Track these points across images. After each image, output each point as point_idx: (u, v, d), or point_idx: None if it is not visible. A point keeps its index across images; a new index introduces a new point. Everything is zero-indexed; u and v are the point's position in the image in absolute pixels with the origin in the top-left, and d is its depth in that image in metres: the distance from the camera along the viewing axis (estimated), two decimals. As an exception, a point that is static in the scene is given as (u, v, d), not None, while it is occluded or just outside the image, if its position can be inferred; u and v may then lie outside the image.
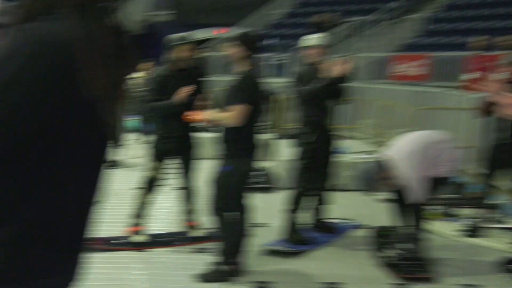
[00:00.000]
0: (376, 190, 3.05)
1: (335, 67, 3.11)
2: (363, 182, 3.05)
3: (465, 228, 3.59)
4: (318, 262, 3.07)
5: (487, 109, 3.32)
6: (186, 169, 3.32)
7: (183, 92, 2.99)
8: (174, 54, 3.17)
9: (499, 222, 3.76)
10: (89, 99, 0.66)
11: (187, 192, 3.34)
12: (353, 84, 3.68)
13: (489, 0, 10.11)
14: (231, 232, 2.74)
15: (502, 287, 2.84)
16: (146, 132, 4.37)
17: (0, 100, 0.63)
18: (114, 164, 4.68)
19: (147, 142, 3.64)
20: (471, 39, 6.96)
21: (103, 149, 0.76)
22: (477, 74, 6.06)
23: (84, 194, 0.76)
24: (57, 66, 0.64)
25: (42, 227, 0.71)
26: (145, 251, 3.19)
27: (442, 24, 10.38)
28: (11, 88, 0.63)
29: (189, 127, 3.21)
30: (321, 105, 3.34)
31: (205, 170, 3.13)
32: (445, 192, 3.70)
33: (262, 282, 2.67)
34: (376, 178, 2.95)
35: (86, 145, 0.72)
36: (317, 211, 3.59)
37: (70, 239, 0.76)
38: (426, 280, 2.81)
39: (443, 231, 3.67)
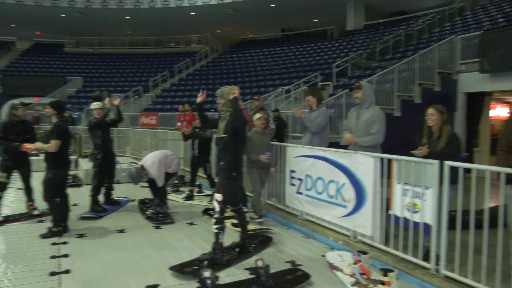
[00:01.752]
0: (139, 181, 5.85)
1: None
2: (132, 177, 5.78)
3: (185, 196, 6.98)
4: (111, 221, 5.51)
5: (185, 138, 6.83)
6: (26, 176, 5.39)
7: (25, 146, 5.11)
8: (15, 113, 5.20)
9: (202, 192, 7.40)
10: None
11: (27, 189, 5.43)
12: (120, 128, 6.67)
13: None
14: (57, 210, 4.95)
15: (205, 221, 5.44)
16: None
17: None
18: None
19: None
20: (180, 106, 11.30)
21: None
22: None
23: None
24: None
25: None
26: (3, 226, 5.12)
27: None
28: None
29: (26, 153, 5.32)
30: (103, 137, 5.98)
31: (37, 176, 5.29)
32: (173, 180, 7.13)
33: (80, 235, 5.07)
34: (139, 175, 5.70)
35: None
36: (108, 193, 6.27)
37: None
38: (170, 223, 5.35)
39: (175, 199, 6.96)
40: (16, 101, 5.67)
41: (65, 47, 26.48)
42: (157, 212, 5.59)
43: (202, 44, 26.12)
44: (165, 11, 22.16)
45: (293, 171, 5.31)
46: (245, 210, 4.95)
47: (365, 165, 4.04)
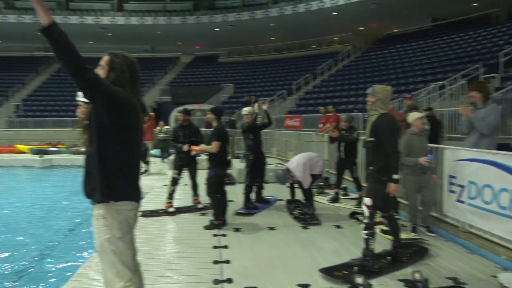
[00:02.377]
0: (285, 182, 6.06)
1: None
2: (279, 178, 6.03)
3: (330, 199, 6.93)
4: (262, 218, 5.90)
5: (331, 140, 6.71)
6: (193, 173, 6.19)
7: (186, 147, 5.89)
8: (179, 117, 5.98)
9: (347, 195, 7.24)
10: None
11: (194, 185, 6.23)
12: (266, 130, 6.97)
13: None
14: (217, 204, 5.53)
15: (352, 225, 5.37)
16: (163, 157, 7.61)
17: None
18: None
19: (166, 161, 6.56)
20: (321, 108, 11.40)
21: None
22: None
23: None
24: None
25: None
26: (175, 216, 5.98)
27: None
28: None
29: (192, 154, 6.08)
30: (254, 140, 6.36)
31: (202, 174, 5.99)
32: (319, 181, 7.16)
33: (236, 229, 5.56)
34: (285, 176, 5.92)
35: None
36: (258, 192, 6.69)
37: None
38: (316, 224, 5.43)
39: (320, 201, 6.99)
40: (181, 108, 6.56)
41: (219, 58, 29.42)
42: (304, 212, 5.72)
43: (344, 43, 25.72)
44: (307, 14, 22.58)
45: (452, 177, 4.78)
46: (397, 217, 4.66)
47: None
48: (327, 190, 7.64)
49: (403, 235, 4.43)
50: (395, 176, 3.69)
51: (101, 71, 2.20)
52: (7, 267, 5.15)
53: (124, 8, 26.28)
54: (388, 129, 3.68)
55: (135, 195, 2.26)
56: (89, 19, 25.20)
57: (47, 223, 7.24)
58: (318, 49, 27.04)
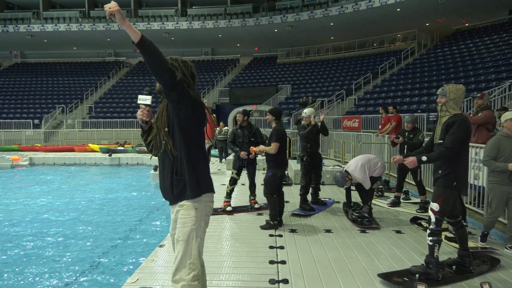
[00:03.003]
0: (344, 185, 5.93)
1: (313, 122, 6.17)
2: (337, 181, 5.91)
3: (390, 202, 6.67)
4: (318, 220, 5.85)
5: (393, 143, 6.42)
6: (252, 174, 6.30)
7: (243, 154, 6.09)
8: (238, 119, 6.10)
9: (408, 199, 6.92)
10: None
11: (252, 185, 6.33)
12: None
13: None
14: (274, 205, 5.56)
15: (414, 231, 5.14)
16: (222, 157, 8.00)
17: None
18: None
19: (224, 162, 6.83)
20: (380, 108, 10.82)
21: None
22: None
23: None
24: None
25: None
26: (233, 215, 6.13)
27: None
28: None
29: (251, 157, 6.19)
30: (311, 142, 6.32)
31: (260, 175, 6.05)
32: (378, 184, 6.94)
33: (292, 230, 5.57)
34: (343, 179, 5.80)
35: None
36: (315, 193, 6.63)
37: None
38: (375, 228, 5.25)
39: (380, 204, 6.75)
40: (240, 109, 6.70)
41: (277, 59, 29.55)
42: (362, 216, 5.57)
43: (408, 40, 24.55)
44: (369, 12, 21.88)
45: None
46: (464, 224, 4.37)
47: None
48: (386, 194, 7.37)
49: (470, 244, 4.16)
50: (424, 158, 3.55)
51: None
52: (77, 257, 5.61)
53: (187, 13, 27.36)
54: (458, 129, 3.46)
55: (212, 187, 2.48)
56: (155, 25, 26.57)
57: (113, 219, 7.78)
58: (379, 48, 26.11)
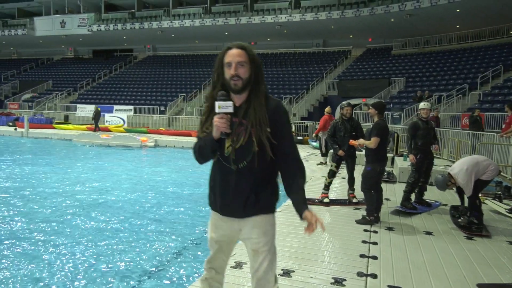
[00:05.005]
0: (445, 189, 5.51)
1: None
2: (438, 184, 5.51)
3: (510, 209, 5.98)
4: (420, 221, 5.55)
5: None
6: (351, 168, 6.31)
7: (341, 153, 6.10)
8: (343, 111, 6.09)
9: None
10: None
11: (350, 179, 6.35)
12: (438, 129, 6.39)
13: None
14: (371, 200, 5.48)
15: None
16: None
17: None
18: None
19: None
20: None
21: None
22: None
23: None
24: None
25: None
26: (329, 207, 6.25)
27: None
28: None
29: (352, 148, 6.16)
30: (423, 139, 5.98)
31: (359, 169, 6.03)
32: (497, 189, 6.29)
33: (389, 228, 5.43)
34: (445, 183, 5.38)
35: None
36: (420, 193, 6.32)
37: None
38: (484, 236, 4.78)
39: (497, 209, 6.11)
40: (345, 102, 6.68)
41: (392, 50, 27.97)
42: (470, 221, 5.16)
43: (555, 27, 20.94)
44: (507, -6, 19.23)
45: None
46: None
47: None
48: (506, 201, 6.62)
49: None
50: None
51: (242, 70, 1.99)
52: (174, 237, 6.29)
53: (300, 5, 27.59)
54: None
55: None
56: (269, 18, 27.41)
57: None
58: (516, 36, 22.80)
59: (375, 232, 4.94)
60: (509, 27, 23.15)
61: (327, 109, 11.77)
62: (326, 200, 6.33)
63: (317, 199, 6.40)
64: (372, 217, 5.30)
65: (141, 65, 34.98)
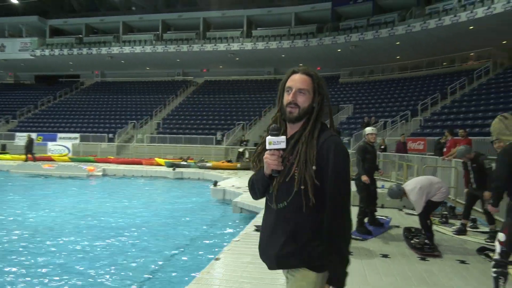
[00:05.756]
0: (397, 197, 5.66)
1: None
2: (391, 193, 5.67)
3: (455, 230, 6.26)
4: (375, 244, 5.58)
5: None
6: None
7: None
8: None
9: (476, 227, 6.45)
10: None
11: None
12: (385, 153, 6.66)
13: None
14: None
15: (481, 262, 4.73)
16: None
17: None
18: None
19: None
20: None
21: None
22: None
23: None
24: None
25: None
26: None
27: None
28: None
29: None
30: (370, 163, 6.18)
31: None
32: (442, 210, 6.58)
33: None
34: (399, 193, 5.55)
35: None
36: (372, 214, 6.46)
37: None
38: (436, 256, 4.92)
39: (443, 231, 6.36)
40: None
41: (340, 78, 29.32)
42: (423, 242, 5.30)
43: (482, 59, 23.08)
44: (438, 30, 21.00)
45: None
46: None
47: None
48: (451, 221, 6.94)
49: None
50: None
51: (301, 98, 1.79)
52: (135, 264, 5.95)
53: (252, 35, 28.31)
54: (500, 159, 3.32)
55: None
56: (222, 46, 27.81)
57: (171, 231, 8.14)
58: (449, 67, 24.82)
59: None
60: (443, 59, 25.23)
61: None
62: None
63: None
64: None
65: (88, 92, 33.77)
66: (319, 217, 1.71)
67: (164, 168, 18.54)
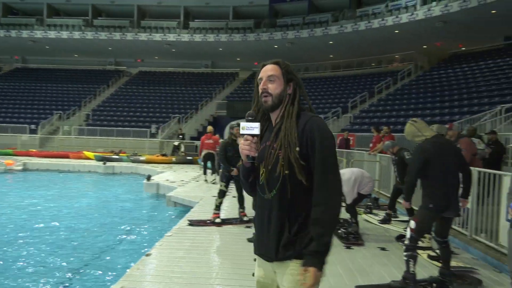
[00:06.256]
0: None
1: None
2: None
3: (381, 219, 6.74)
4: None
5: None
6: (240, 186, 6.36)
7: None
8: (233, 131, 6.19)
9: (396, 217, 7.00)
10: None
11: (240, 198, 6.40)
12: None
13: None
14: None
15: (399, 249, 4.98)
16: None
17: None
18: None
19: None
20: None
21: None
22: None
23: None
24: None
25: None
26: (221, 227, 6.17)
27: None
28: None
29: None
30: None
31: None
32: (367, 201, 7.04)
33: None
34: None
35: None
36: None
37: None
38: (360, 244, 5.26)
39: (370, 220, 6.82)
40: (234, 122, 6.79)
41: (275, 74, 29.83)
42: (348, 232, 5.63)
43: (406, 62, 24.96)
44: (368, 32, 22.29)
45: None
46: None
47: None
48: (375, 211, 7.44)
49: (452, 263, 4.22)
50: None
51: (272, 85, 1.79)
52: (64, 263, 5.61)
53: (189, 26, 27.75)
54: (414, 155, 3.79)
55: None
56: (157, 36, 26.92)
57: (102, 227, 7.78)
58: (377, 67, 26.50)
59: (266, 249, 5.02)
60: (372, 60, 26.83)
61: (209, 128, 11.60)
62: (217, 220, 6.26)
63: (209, 220, 6.29)
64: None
65: (6, 78, 30.81)
66: (309, 201, 1.66)
67: (93, 162, 17.59)
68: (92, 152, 19.34)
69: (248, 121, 1.72)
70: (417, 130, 3.75)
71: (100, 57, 31.55)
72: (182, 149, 19.17)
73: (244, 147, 1.71)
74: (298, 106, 1.79)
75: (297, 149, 1.66)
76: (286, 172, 1.66)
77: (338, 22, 23.80)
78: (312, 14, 25.86)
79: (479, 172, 5.15)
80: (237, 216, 6.66)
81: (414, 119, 3.95)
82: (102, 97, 28.62)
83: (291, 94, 1.81)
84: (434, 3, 19.64)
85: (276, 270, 1.74)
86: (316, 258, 1.61)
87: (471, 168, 5.24)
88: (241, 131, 1.71)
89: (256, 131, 1.70)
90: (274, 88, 1.78)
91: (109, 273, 5.21)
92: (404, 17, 20.51)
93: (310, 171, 1.66)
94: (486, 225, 5.05)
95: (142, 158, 18.16)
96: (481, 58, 21.16)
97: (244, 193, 6.52)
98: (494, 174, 4.92)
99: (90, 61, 31.84)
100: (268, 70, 1.81)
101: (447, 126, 6.39)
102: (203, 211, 7.06)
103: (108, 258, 5.90)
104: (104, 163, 16.97)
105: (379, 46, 24.26)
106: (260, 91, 1.80)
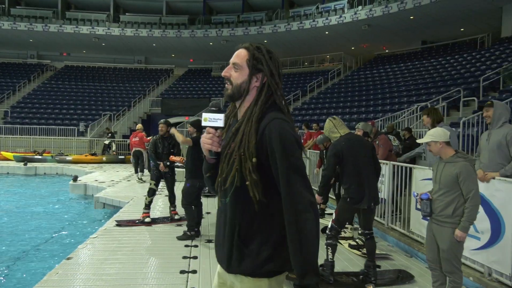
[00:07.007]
0: None
1: None
2: None
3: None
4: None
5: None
6: (170, 185, 6.27)
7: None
8: (159, 128, 6.10)
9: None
10: None
11: (171, 196, 6.31)
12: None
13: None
14: (192, 215, 5.58)
15: (322, 240, 5.88)
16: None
17: None
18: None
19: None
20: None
21: None
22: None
23: None
24: None
25: None
26: (151, 226, 6.03)
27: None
28: None
29: (172, 165, 6.18)
30: None
31: (180, 185, 6.07)
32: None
33: (209, 240, 5.62)
34: None
35: None
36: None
37: None
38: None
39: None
40: (162, 120, 6.65)
41: (212, 72, 29.74)
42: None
43: (336, 62, 26.20)
44: (300, 32, 23.05)
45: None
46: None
47: (503, 192, 3.52)
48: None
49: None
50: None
51: (235, 73, 1.55)
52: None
53: (120, 20, 26.57)
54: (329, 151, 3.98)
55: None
56: (84, 29, 25.42)
57: (23, 231, 7.25)
58: (309, 67, 27.49)
59: (196, 246, 5.03)
60: (304, 60, 27.78)
61: (138, 126, 11.99)
62: (147, 219, 6.12)
63: (138, 220, 6.13)
64: (192, 232, 5.39)
65: None
66: (268, 215, 1.44)
67: (12, 163, 16.20)
68: (11, 152, 17.80)
69: (211, 112, 1.49)
70: (334, 127, 3.98)
71: (19, 50, 29.09)
72: (114, 148, 18.36)
73: (206, 141, 1.50)
74: (263, 105, 1.49)
75: (254, 160, 1.41)
76: (237, 184, 1.44)
77: (272, 21, 24.30)
78: (247, 13, 26.12)
79: (394, 165, 5.59)
80: (168, 214, 6.56)
81: (333, 116, 4.19)
82: (23, 93, 26.40)
83: (258, 87, 1.52)
84: (360, 7, 20.88)
85: (232, 280, 1.55)
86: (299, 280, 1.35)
87: (388, 162, 5.71)
88: (203, 123, 1.49)
89: (220, 123, 1.49)
90: (235, 77, 1.53)
91: (27, 281, 4.87)
92: (333, 19, 21.53)
93: (270, 184, 1.43)
94: (401, 214, 5.50)
95: (69, 158, 17.08)
96: (401, 60, 22.90)
97: (176, 192, 6.45)
98: (406, 167, 5.37)
99: (8, 53, 29.18)
100: (235, 56, 1.57)
101: (369, 122, 6.85)
102: (133, 211, 6.86)
103: (27, 265, 5.51)
104: (25, 164, 15.71)
105: (311, 47, 25.19)
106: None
